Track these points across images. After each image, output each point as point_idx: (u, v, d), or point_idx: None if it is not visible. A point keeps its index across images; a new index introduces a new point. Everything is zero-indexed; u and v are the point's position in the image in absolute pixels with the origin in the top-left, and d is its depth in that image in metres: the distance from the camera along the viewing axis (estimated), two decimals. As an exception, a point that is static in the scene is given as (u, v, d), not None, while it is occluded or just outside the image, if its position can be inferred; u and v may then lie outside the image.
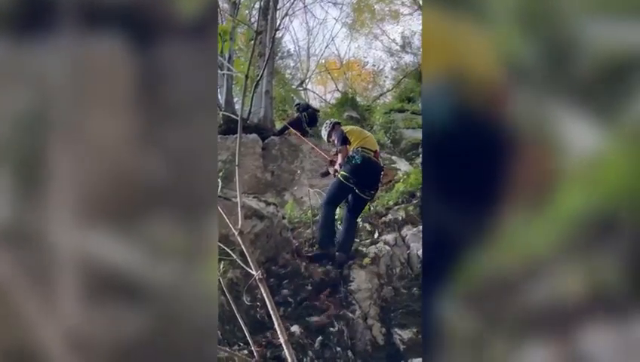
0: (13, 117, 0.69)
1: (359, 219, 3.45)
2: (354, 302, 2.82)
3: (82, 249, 0.68)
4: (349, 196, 3.18)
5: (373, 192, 3.28)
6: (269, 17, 6.23)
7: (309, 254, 3.12)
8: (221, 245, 1.29)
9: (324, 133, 3.59)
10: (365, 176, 3.11)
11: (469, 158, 0.74)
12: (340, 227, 3.34)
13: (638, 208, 0.66)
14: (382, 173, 3.28)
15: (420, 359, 2.35)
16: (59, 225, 0.67)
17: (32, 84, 0.70)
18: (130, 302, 0.70)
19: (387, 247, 3.35)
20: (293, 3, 7.10)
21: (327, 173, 3.83)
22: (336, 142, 3.33)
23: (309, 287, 2.93)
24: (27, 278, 0.65)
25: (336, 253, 3.02)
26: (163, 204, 0.72)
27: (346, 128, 3.39)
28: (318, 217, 3.38)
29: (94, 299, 0.68)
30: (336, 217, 3.42)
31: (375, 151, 3.27)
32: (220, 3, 6.93)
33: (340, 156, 3.24)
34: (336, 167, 3.31)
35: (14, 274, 0.64)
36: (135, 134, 0.71)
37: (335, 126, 3.55)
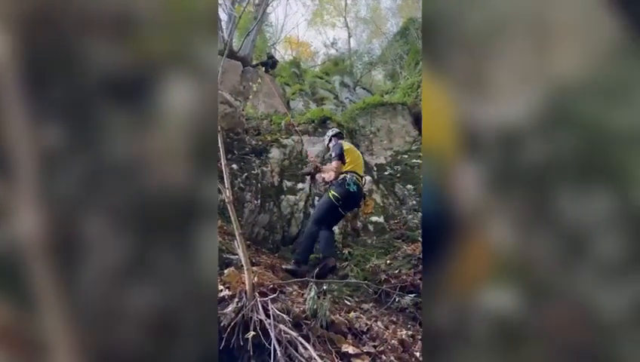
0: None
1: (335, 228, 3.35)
2: (267, 164, 4.27)
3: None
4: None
5: (350, 211, 3.27)
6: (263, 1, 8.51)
7: (286, 267, 2.82)
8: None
9: (325, 139, 3.61)
10: (352, 200, 3.05)
11: None
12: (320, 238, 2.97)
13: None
14: (363, 198, 3.16)
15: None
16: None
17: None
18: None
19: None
20: (279, -3, 10.42)
21: (308, 174, 3.65)
22: (332, 154, 3.20)
23: (248, 149, 4.46)
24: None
25: (324, 257, 2.79)
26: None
27: (345, 145, 3.19)
28: (304, 229, 3.17)
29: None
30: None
31: (362, 176, 3.17)
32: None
33: (333, 171, 3.06)
34: (324, 175, 3.20)
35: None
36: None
37: (335, 136, 3.49)
